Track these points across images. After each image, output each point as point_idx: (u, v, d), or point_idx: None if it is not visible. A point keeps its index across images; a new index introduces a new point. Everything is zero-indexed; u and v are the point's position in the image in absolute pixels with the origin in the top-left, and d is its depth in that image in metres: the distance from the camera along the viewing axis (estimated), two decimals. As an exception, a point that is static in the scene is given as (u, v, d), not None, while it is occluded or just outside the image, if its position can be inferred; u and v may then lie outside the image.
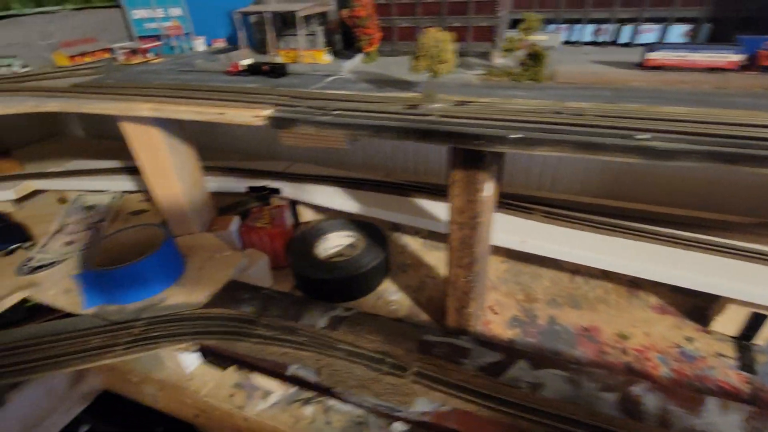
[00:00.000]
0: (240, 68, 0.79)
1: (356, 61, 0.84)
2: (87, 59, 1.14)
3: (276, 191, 1.16)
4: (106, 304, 0.71)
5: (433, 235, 1.15)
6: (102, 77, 0.88)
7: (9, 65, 1.03)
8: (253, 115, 0.59)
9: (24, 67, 1.05)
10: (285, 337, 0.61)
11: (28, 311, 0.77)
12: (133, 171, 1.27)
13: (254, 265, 0.85)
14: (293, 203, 1.24)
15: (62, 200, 1.33)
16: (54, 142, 1.91)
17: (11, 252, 0.85)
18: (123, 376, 0.75)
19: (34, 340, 0.64)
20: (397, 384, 0.53)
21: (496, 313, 0.90)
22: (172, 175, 0.82)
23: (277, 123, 0.58)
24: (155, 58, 1.09)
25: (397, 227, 1.15)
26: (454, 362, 0.56)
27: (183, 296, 0.73)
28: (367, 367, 0.56)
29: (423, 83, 0.70)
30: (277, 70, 0.77)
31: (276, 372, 0.65)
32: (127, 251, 0.79)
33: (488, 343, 0.62)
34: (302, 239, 1.00)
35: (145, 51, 1.10)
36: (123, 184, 1.20)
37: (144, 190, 1.14)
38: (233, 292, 0.73)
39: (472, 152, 0.57)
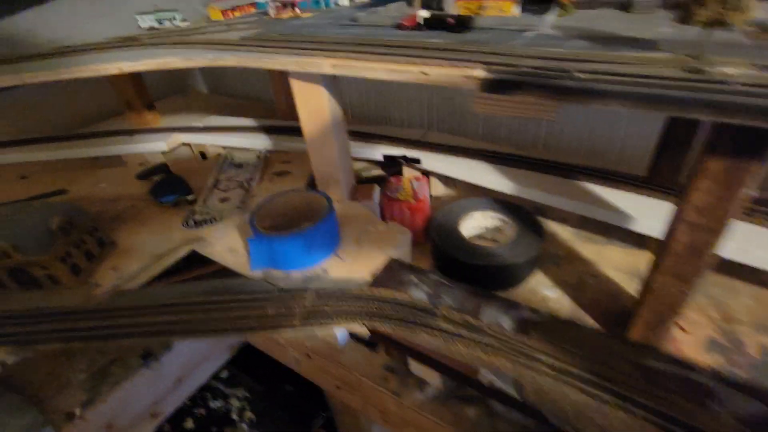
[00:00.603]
0: (417, 22, 0.70)
1: (553, 15, 0.70)
2: (237, 14, 1.14)
3: (416, 161, 1.09)
4: (271, 268, 0.70)
5: (585, 225, 1.00)
6: (261, 31, 0.85)
7: (172, 18, 1.04)
8: (462, 75, 0.50)
9: (183, 21, 1.06)
10: (471, 336, 0.55)
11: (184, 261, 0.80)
12: (269, 130, 1.29)
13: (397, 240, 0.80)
14: (425, 174, 1.17)
15: (203, 155, 1.40)
16: (181, 96, 2.05)
17: (176, 204, 0.87)
18: (270, 336, 0.75)
19: (212, 296, 0.65)
20: (630, 423, 0.44)
21: (686, 331, 0.76)
22: (331, 137, 0.78)
23: (495, 86, 0.49)
24: (305, 12, 1.04)
25: (541, 212, 1.03)
26: (699, 404, 0.45)
27: (344, 270, 0.69)
28: (583, 391, 0.48)
29: (665, 41, 0.56)
30: (463, 24, 0.66)
31: (436, 362, 0.60)
32: (287, 215, 0.78)
33: (729, 381, 0.50)
34: (446, 216, 0.92)
35: (294, 5, 1.05)
36: (260, 142, 1.22)
37: (285, 151, 1.14)
38: (397, 272, 0.68)
39: (751, 135, 0.43)
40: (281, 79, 1.52)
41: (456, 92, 1.32)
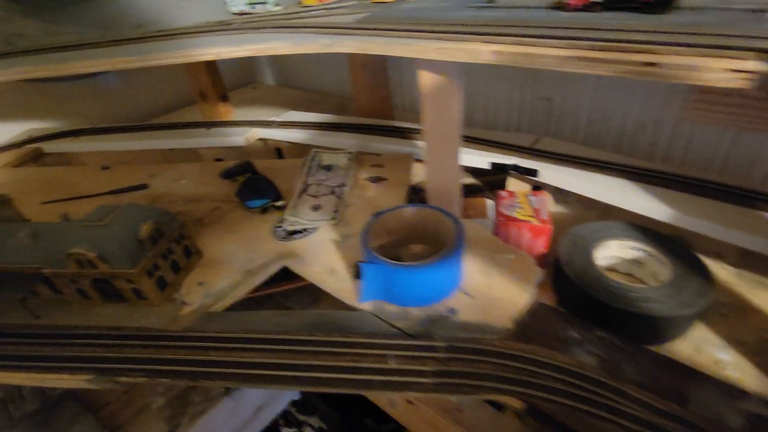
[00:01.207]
0: (589, 0, 0.55)
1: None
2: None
3: (531, 172, 0.93)
4: (384, 300, 0.57)
5: (748, 262, 0.80)
6: (370, 15, 0.72)
7: (264, 2, 0.95)
8: (725, 69, 0.34)
9: (276, 5, 0.97)
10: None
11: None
12: (355, 128, 1.18)
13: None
14: (536, 188, 1.01)
15: (279, 152, 1.32)
16: (248, 88, 1.99)
17: (265, 210, 0.77)
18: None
19: (317, 334, 0.53)
20: None
21: None
22: (455, 143, 0.64)
23: (782, 86, 0.33)
24: (411, -5, 0.91)
25: (684, 242, 0.84)
26: None
27: (476, 312, 0.55)
28: None
29: None
30: (664, 2, 0.50)
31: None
32: (398, 234, 0.65)
33: None
34: (575, 243, 0.75)
35: (397, -12, 0.93)
36: (344, 141, 1.11)
37: (373, 152, 1.02)
38: (548, 321, 0.53)
39: None
40: (364, 72, 1.40)
41: (557, 92, 1.14)
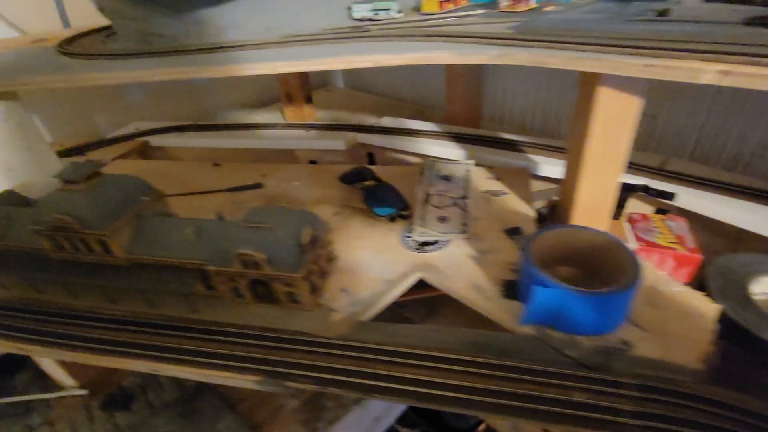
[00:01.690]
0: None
1: None
2: (450, 6, 1.01)
3: (667, 195, 0.88)
4: (548, 326, 0.55)
5: None
6: (521, 25, 0.70)
7: (388, 9, 0.95)
8: None
9: (399, 12, 0.96)
10: None
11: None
12: (463, 139, 1.16)
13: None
14: (660, 211, 0.95)
15: (371, 157, 1.32)
16: (324, 91, 2.02)
17: (393, 218, 0.77)
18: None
19: (481, 355, 0.51)
20: None
21: None
22: (622, 160, 0.61)
23: None
24: (546, 5, 0.88)
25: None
26: None
27: (654, 348, 0.51)
28: None
29: None
30: None
31: None
32: (548, 254, 0.62)
33: None
34: (723, 276, 0.69)
35: (529, -3, 0.90)
36: (447, 150, 1.10)
37: (484, 164, 0.99)
38: (742, 363, 0.49)
39: None
40: (460, 82, 1.39)
41: (662, 108, 1.08)
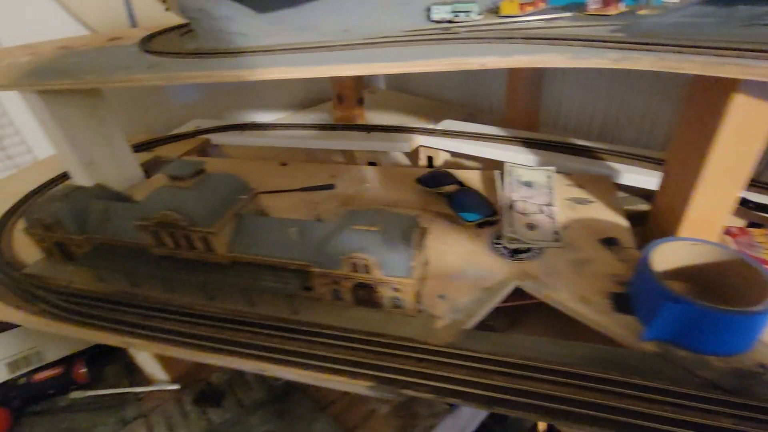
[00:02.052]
0: None
1: None
2: (530, 8, 0.99)
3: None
4: (672, 343, 0.52)
5: None
6: (627, 27, 0.68)
7: (468, 11, 0.93)
8: None
9: (479, 14, 0.94)
10: None
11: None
12: (532, 144, 1.14)
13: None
14: (754, 224, 0.90)
15: (430, 161, 1.31)
16: (367, 93, 2.01)
17: (481, 225, 0.75)
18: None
19: (606, 371, 0.49)
20: None
21: None
22: (747, 170, 0.57)
23: None
24: (640, 8, 0.85)
25: None
26: None
27: (795, 371, 0.48)
28: None
29: None
30: None
31: None
32: (666, 267, 0.60)
33: None
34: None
35: (619, 0, 0.87)
36: (514, 155, 1.07)
37: (561, 171, 0.97)
38: None
39: None
40: (523, 85, 1.36)
41: None
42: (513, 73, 1.34)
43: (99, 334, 0.63)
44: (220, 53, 0.85)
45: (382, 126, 1.29)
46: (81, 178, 0.98)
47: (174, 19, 1.50)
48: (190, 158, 0.66)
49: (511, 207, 0.81)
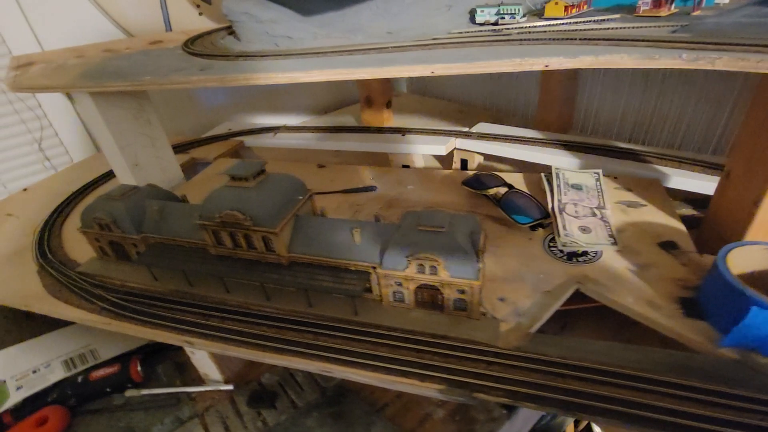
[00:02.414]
0: None
1: None
2: (574, 11, 0.99)
3: None
4: (756, 350, 0.51)
5: None
6: (687, 28, 0.67)
7: (514, 13, 0.93)
8: None
9: (523, 16, 0.94)
10: None
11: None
12: (572, 146, 1.13)
13: None
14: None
15: (464, 164, 1.30)
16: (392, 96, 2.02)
17: (534, 228, 0.74)
18: None
19: (686, 378, 0.48)
20: None
21: None
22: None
23: None
24: (694, 8, 0.84)
25: None
26: None
27: None
28: None
29: None
30: None
31: None
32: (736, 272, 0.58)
33: None
34: None
35: (670, 2, 0.86)
36: (552, 158, 1.06)
37: (607, 174, 0.96)
38: None
39: None
40: (558, 88, 1.35)
41: None
42: (546, 76, 1.33)
43: (160, 333, 0.63)
44: (269, 55, 0.86)
45: (417, 128, 1.29)
46: (126, 179, 1.00)
47: (207, 23, 1.53)
48: (250, 160, 0.66)
49: (562, 210, 0.80)
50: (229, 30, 1.35)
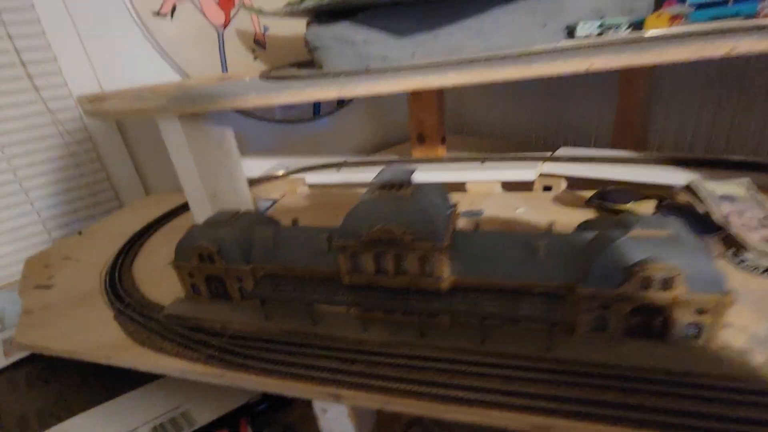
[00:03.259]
0: None
1: None
2: (677, 22, 0.95)
3: None
4: None
5: None
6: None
7: (618, 26, 0.88)
8: None
9: (626, 29, 0.89)
10: None
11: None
12: (677, 162, 1.04)
13: None
14: None
15: (547, 189, 1.21)
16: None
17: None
18: None
19: None
20: None
21: None
22: None
23: None
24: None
25: None
26: None
27: None
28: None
29: None
30: None
31: None
32: None
33: None
34: None
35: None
36: (653, 174, 0.97)
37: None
38: None
39: None
40: (635, 107, 1.31)
41: None
42: (624, 96, 1.28)
43: (290, 384, 0.50)
44: (374, 71, 0.80)
45: (496, 156, 1.21)
46: (202, 211, 0.90)
47: (261, 66, 1.53)
48: (401, 164, 0.56)
49: (728, 222, 0.70)
50: (297, 63, 1.33)
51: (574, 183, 1.16)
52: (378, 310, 0.54)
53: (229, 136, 0.92)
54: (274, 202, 1.17)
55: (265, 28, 1.49)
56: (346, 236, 0.53)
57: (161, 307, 0.69)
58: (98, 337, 0.64)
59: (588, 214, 0.81)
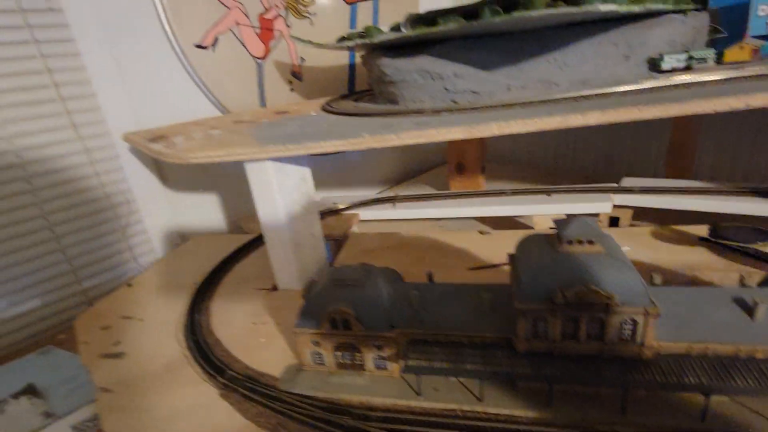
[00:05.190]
0: None
1: None
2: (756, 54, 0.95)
3: None
4: None
5: None
6: None
7: (705, 59, 0.88)
8: None
9: (714, 61, 0.89)
10: None
11: None
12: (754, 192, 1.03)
13: None
14: None
15: (614, 221, 1.18)
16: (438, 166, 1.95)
17: None
18: None
19: None
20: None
21: None
22: None
23: None
24: None
25: None
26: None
27: None
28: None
29: None
30: None
31: None
32: None
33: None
34: None
35: None
36: (721, 205, 0.95)
37: None
38: None
39: None
40: (689, 137, 1.31)
41: None
42: (676, 126, 1.29)
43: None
44: (464, 109, 0.76)
45: (564, 188, 1.17)
46: (285, 260, 0.81)
47: (297, 98, 1.47)
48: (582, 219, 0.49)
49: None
50: (354, 96, 1.28)
51: (639, 214, 1.14)
52: (568, 383, 0.47)
53: (308, 178, 0.85)
54: (330, 242, 1.09)
55: (302, 60, 1.44)
56: (531, 298, 0.46)
57: (273, 378, 0.59)
58: (208, 421, 0.54)
59: (701, 253, 0.78)
